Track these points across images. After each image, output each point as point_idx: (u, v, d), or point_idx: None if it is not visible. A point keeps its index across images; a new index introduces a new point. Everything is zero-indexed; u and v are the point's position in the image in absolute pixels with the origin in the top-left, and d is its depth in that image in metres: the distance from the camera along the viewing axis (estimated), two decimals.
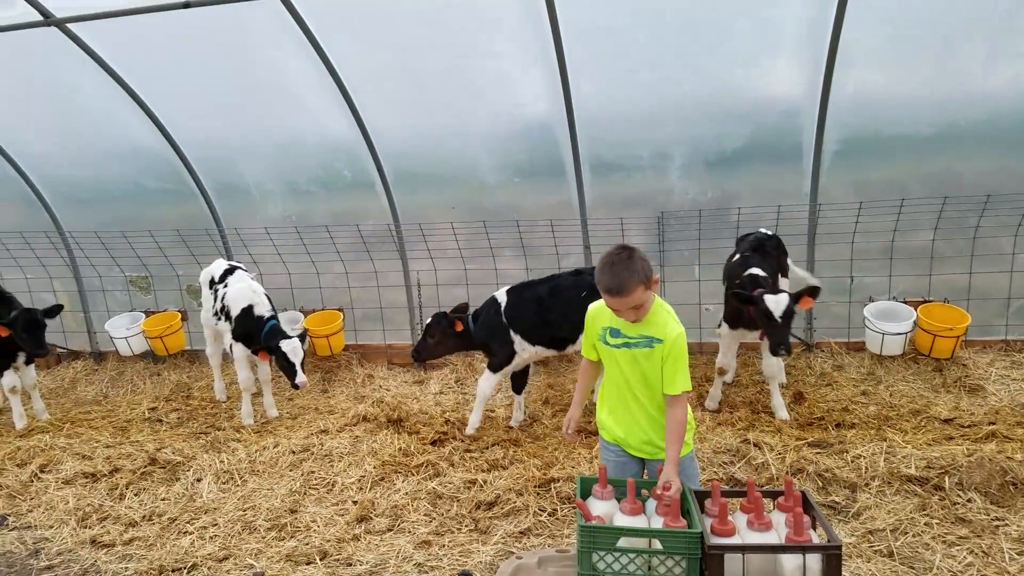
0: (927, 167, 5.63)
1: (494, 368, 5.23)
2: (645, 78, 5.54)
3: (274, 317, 5.54)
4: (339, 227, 6.55)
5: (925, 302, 5.76)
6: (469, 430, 5.25)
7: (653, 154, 5.91)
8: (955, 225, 5.68)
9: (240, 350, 5.59)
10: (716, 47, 5.27)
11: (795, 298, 4.48)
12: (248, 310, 5.51)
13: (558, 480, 4.36)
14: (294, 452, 5.07)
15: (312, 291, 6.93)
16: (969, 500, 3.94)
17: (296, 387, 5.32)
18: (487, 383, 5.27)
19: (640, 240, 6.05)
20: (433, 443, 5.11)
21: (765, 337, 4.77)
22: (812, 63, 5.20)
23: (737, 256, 5.15)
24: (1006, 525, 3.74)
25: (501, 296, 5.28)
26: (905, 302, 5.79)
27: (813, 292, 4.48)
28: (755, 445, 4.64)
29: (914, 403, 5.11)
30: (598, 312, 3.07)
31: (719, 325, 5.24)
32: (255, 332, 5.45)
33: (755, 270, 4.85)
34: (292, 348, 5.28)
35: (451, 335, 5.31)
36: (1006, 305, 5.79)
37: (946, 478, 4.10)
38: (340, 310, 6.78)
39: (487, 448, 5.00)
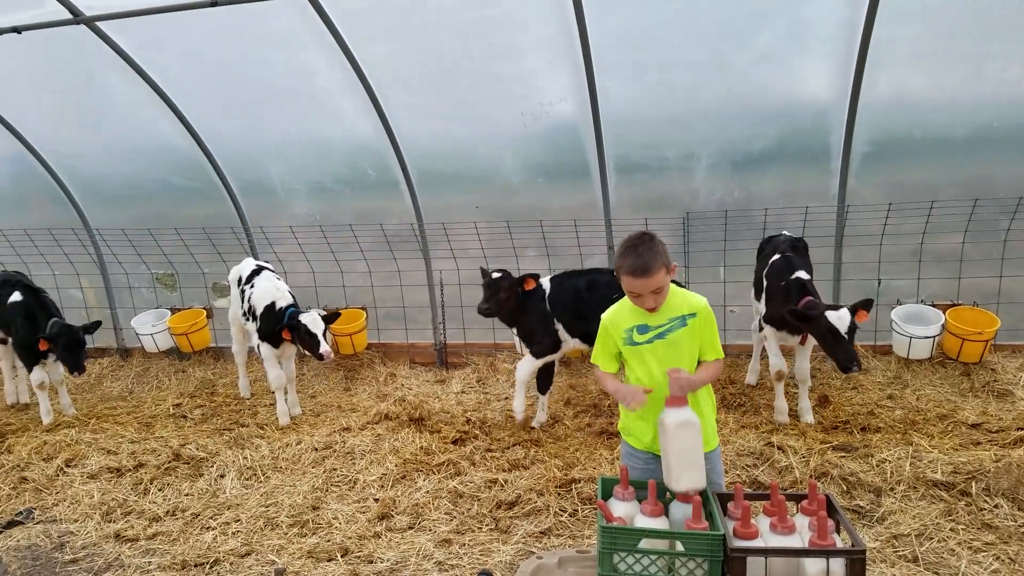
0: (958, 170, 5.53)
1: (537, 354, 5.20)
2: (673, 79, 5.51)
3: (293, 306, 5.59)
4: (363, 226, 6.60)
5: (954, 305, 5.66)
6: (518, 416, 5.26)
7: (679, 155, 5.88)
8: (985, 228, 5.56)
9: (267, 349, 5.65)
10: (746, 47, 5.22)
11: (853, 311, 4.41)
12: (270, 307, 5.59)
13: (579, 481, 4.35)
14: (316, 449, 5.11)
15: (336, 289, 6.99)
16: (996, 506, 3.86)
17: (321, 357, 5.32)
18: (526, 367, 5.24)
19: (665, 241, 5.95)
20: (454, 442, 5.11)
21: (822, 349, 4.70)
22: (843, 63, 5.14)
23: (778, 257, 4.99)
24: None
25: (545, 283, 5.26)
26: (934, 305, 5.68)
27: (867, 305, 4.41)
28: (779, 448, 4.58)
29: (941, 407, 5.02)
30: (616, 317, 3.02)
31: (760, 328, 5.18)
32: (277, 322, 5.52)
33: (801, 274, 4.76)
34: (312, 319, 5.35)
35: (518, 295, 5.22)
36: None
37: (973, 483, 4.02)
38: (363, 309, 6.83)
39: (508, 448, 5.00)
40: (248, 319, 5.80)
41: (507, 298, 5.15)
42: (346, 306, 6.93)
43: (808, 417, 5.00)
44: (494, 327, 6.62)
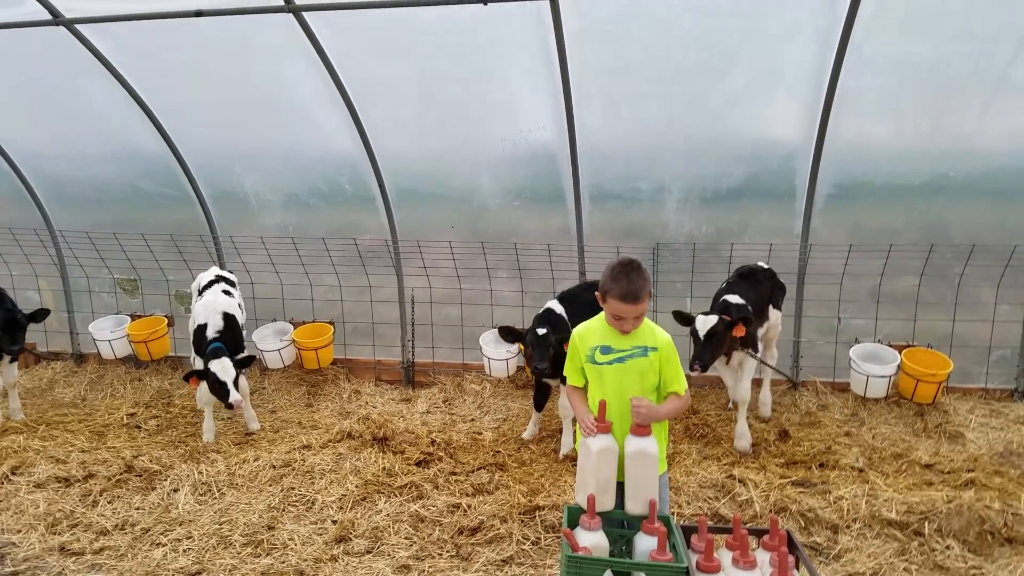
0: (916, 215, 5.74)
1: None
2: (648, 114, 5.64)
3: (218, 342, 5.33)
4: (336, 239, 6.55)
5: (909, 346, 5.84)
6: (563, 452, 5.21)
7: (652, 187, 6.00)
8: (940, 272, 5.78)
9: (200, 363, 5.44)
10: (719, 87, 5.37)
11: (728, 324, 4.72)
12: (201, 329, 5.44)
13: (543, 508, 4.33)
14: (275, 467, 5.00)
15: (303, 302, 6.90)
16: (947, 547, 3.96)
17: (230, 407, 5.12)
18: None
19: None
20: (418, 464, 5.06)
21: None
22: (810, 108, 5.32)
23: (723, 284, 5.30)
24: (983, 574, 3.77)
25: (556, 307, 5.23)
26: (890, 345, 5.86)
27: (747, 321, 4.75)
28: (740, 481, 4.64)
29: (896, 446, 5.15)
30: (585, 332, 3.14)
31: None
32: (201, 350, 5.36)
33: (729, 296, 5.01)
34: (222, 368, 5.12)
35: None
36: (987, 353, 5.89)
37: (926, 524, 4.12)
38: (331, 323, 6.75)
39: (472, 472, 4.96)
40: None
41: (555, 354, 4.97)
42: (313, 319, 6.85)
43: (741, 444, 5.16)
44: (463, 346, 6.62)
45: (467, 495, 4.57)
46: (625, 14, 4.96)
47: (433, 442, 5.37)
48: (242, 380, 5.70)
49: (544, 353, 4.90)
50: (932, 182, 5.56)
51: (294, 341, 6.60)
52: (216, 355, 5.20)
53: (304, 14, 5.18)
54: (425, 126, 6.02)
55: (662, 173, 5.91)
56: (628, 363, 3.02)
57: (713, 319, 4.77)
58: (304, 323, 6.82)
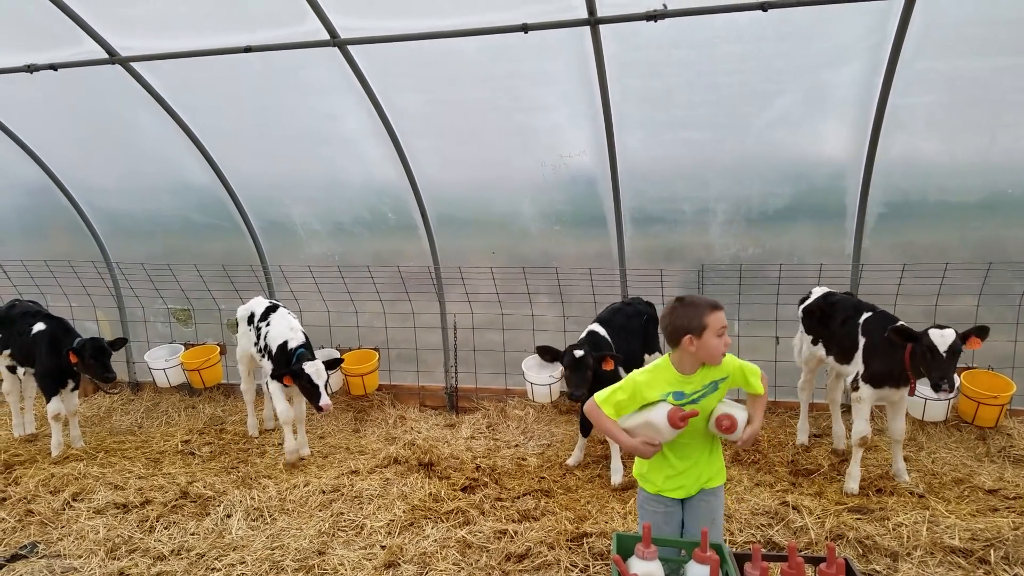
0: (971, 233, 5.59)
1: None
2: (691, 137, 5.63)
3: (303, 346, 5.58)
4: (379, 267, 6.67)
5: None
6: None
7: (695, 209, 5.97)
8: (999, 292, 5.59)
9: (277, 386, 5.66)
10: (764, 109, 5.34)
11: (963, 336, 4.38)
12: (283, 346, 5.60)
13: (591, 535, 4.28)
14: (324, 492, 5.06)
15: (349, 329, 7.03)
16: (1016, 574, 3.79)
17: (320, 410, 5.27)
18: None
19: (678, 292, 6.03)
20: (464, 489, 5.07)
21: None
22: (859, 127, 5.25)
23: (870, 315, 4.89)
24: None
25: (599, 329, 5.29)
26: None
27: (980, 331, 4.42)
28: (794, 508, 4.53)
29: (957, 471, 4.97)
30: (652, 380, 3.05)
31: (856, 388, 4.85)
32: (288, 361, 5.52)
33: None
34: (315, 370, 5.30)
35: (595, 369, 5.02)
36: None
37: (991, 551, 3.95)
38: (376, 349, 6.85)
39: (518, 498, 4.94)
40: (264, 356, 5.82)
41: (591, 376, 4.96)
42: (359, 346, 6.96)
43: (905, 476, 4.89)
44: (506, 372, 6.63)
45: (513, 521, 4.55)
46: (665, 40, 4.96)
47: (478, 467, 5.37)
48: (300, 403, 5.82)
49: (582, 378, 4.85)
50: (988, 199, 5.41)
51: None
52: (305, 359, 5.36)
53: (349, 47, 5.34)
54: (466, 154, 6.11)
55: (706, 195, 5.87)
56: (701, 403, 3.04)
57: (950, 332, 4.39)
58: (350, 349, 6.92)
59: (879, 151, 5.27)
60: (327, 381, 5.40)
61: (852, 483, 4.82)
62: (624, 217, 6.05)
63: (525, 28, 4.81)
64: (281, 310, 5.94)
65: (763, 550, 2.68)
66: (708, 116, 5.44)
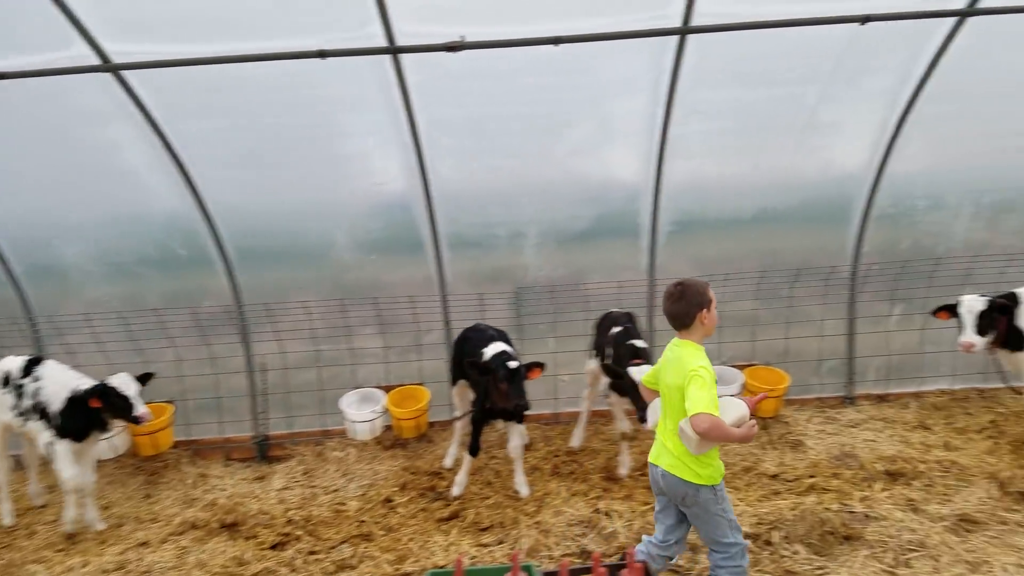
0: (749, 244, 6.25)
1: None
2: (500, 164, 5.79)
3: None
4: (171, 309, 6.07)
5: (750, 365, 6.29)
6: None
7: (509, 232, 6.12)
8: (773, 295, 6.30)
9: (65, 448, 4.91)
10: (563, 139, 5.65)
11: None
12: (74, 393, 4.92)
13: (411, 575, 4.11)
14: (106, 572, 4.44)
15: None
16: (795, 552, 4.21)
17: (137, 421, 4.78)
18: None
19: (499, 314, 6.20)
20: (274, 547, 4.70)
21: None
22: (647, 153, 5.69)
23: (620, 329, 5.25)
24: (828, 574, 4.00)
25: (508, 347, 5.14)
26: (734, 366, 6.25)
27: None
28: (605, 514, 4.72)
29: (745, 460, 5.45)
30: (709, 364, 3.29)
31: (607, 395, 5.30)
32: (84, 409, 4.89)
33: (636, 341, 5.03)
34: (122, 381, 4.83)
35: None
36: (818, 365, 6.45)
37: (774, 533, 4.38)
38: (170, 402, 6.16)
39: (335, 547, 4.66)
40: (35, 419, 5.00)
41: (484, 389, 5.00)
42: (149, 400, 6.21)
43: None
44: (323, 412, 6.27)
45: (328, 574, 4.26)
46: (468, 71, 5.05)
47: (290, 521, 5.00)
48: (89, 470, 5.13)
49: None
50: (759, 214, 6.10)
51: (125, 426, 6.00)
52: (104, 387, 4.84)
53: (123, 72, 4.88)
54: (268, 183, 5.80)
55: (518, 218, 6.05)
56: None
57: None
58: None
59: (665, 175, 5.76)
60: (139, 391, 4.88)
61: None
62: (442, 242, 6.06)
63: (322, 54, 4.65)
64: (49, 362, 5.16)
65: (577, 561, 2.69)
66: (514, 144, 5.64)
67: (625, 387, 4.69)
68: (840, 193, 6.05)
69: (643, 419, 4.42)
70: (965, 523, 4.43)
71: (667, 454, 3.43)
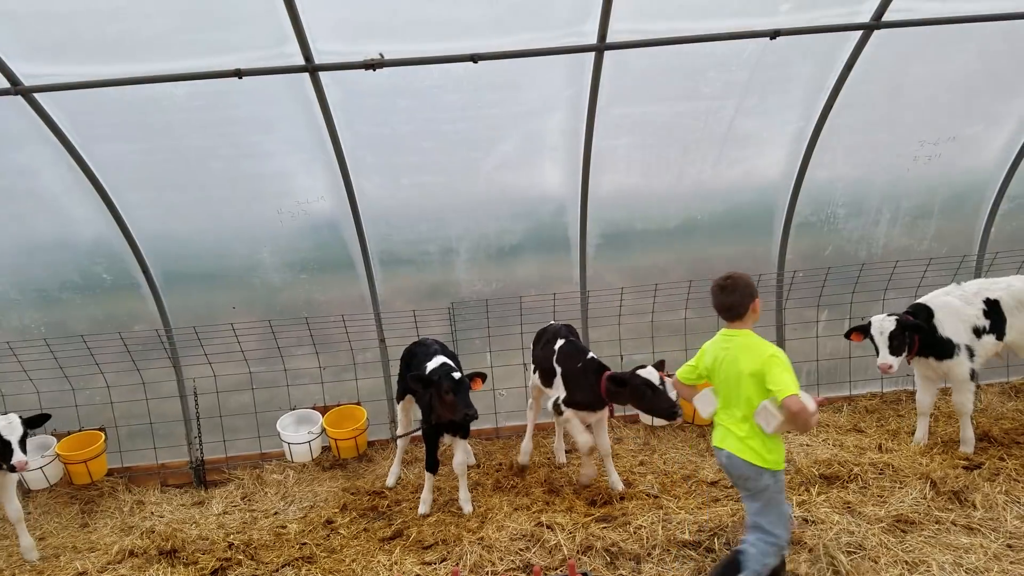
0: (677, 253, 6.37)
1: None
2: (429, 180, 5.79)
3: None
4: (97, 335, 5.89)
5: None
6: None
7: (440, 249, 6.13)
8: (705, 303, 6.39)
9: None
10: (489, 154, 5.68)
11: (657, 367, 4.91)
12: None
13: None
14: None
15: (67, 410, 6.07)
16: None
17: (13, 468, 4.63)
18: None
19: (435, 330, 6.17)
20: (214, 572, 4.57)
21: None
22: (572, 167, 5.77)
23: (564, 342, 5.27)
24: None
25: (449, 360, 5.20)
26: (669, 376, 6.34)
27: (661, 366, 4.96)
28: (548, 527, 4.72)
29: (684, 469, 5.54)
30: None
31: (559, 412, 5.23)
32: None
33: (591, 354, 5.11)
34: (6, 424, 4.68)
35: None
36: None
37: (715, 539, 4.42)
38: (101, 429, 6.00)
39: (276, 571, 4.58)
40: None
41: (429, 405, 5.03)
42: (80, 428, 6.05)
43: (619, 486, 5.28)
44: (259, 435, 6.19)
45: None
46: (389, 89, 5.07)
47: (231, 545, 4.89)
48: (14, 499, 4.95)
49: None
50: (682, 224, 6.24)
51: (58, 455, 5.79)
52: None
53: (36, 95, 4.74)
54: (192, 205, 5.69)
55: (448, 234, 6.06)
56: None
57: (653, 371, 4.87)
58: (69, 433, 6.00)
59: (591, 188, 5.84)
60: (22, 437, 4.70)
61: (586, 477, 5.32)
62: (373, 260, 6.03)
63: (239, 74, 4.62)
64: None
65: None
66: (439, 161, 5.65)
67: (634, 391, 4.77)
68: (762, 202, 6.23)
69: (674, 415, 4.67)
70: (901, 523, 4.51)
71: (733, 438, 3.55)
